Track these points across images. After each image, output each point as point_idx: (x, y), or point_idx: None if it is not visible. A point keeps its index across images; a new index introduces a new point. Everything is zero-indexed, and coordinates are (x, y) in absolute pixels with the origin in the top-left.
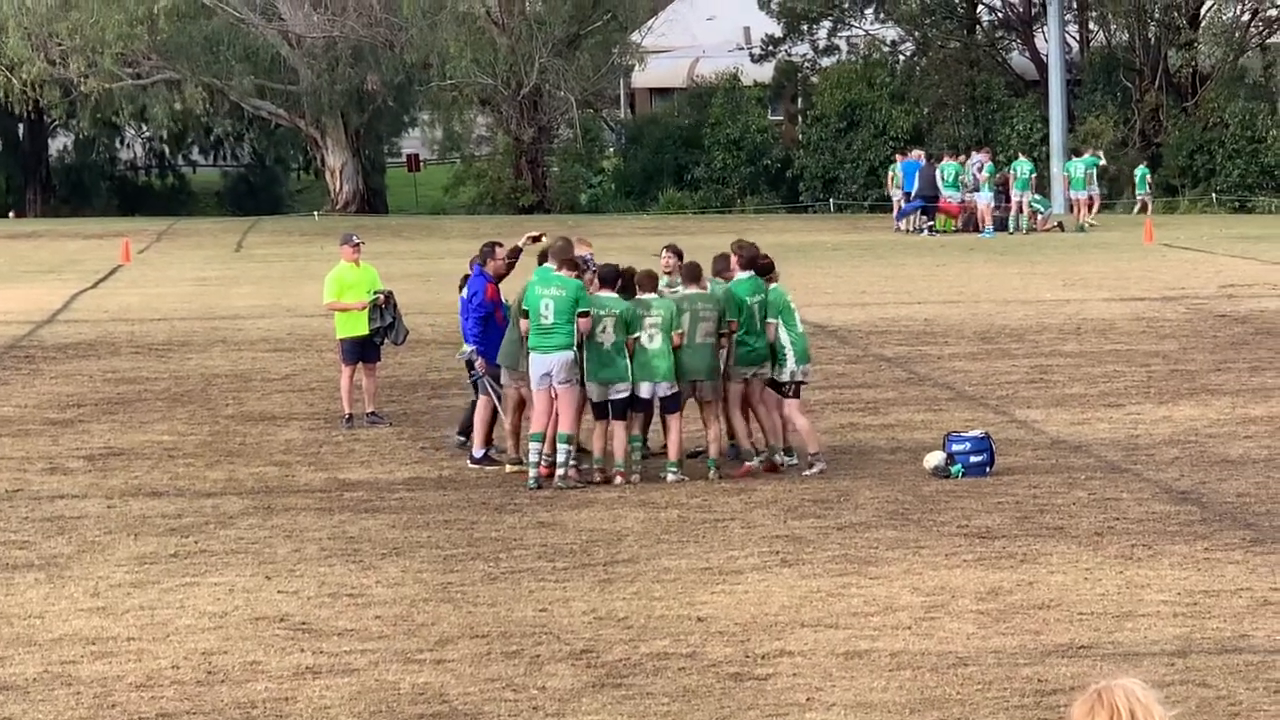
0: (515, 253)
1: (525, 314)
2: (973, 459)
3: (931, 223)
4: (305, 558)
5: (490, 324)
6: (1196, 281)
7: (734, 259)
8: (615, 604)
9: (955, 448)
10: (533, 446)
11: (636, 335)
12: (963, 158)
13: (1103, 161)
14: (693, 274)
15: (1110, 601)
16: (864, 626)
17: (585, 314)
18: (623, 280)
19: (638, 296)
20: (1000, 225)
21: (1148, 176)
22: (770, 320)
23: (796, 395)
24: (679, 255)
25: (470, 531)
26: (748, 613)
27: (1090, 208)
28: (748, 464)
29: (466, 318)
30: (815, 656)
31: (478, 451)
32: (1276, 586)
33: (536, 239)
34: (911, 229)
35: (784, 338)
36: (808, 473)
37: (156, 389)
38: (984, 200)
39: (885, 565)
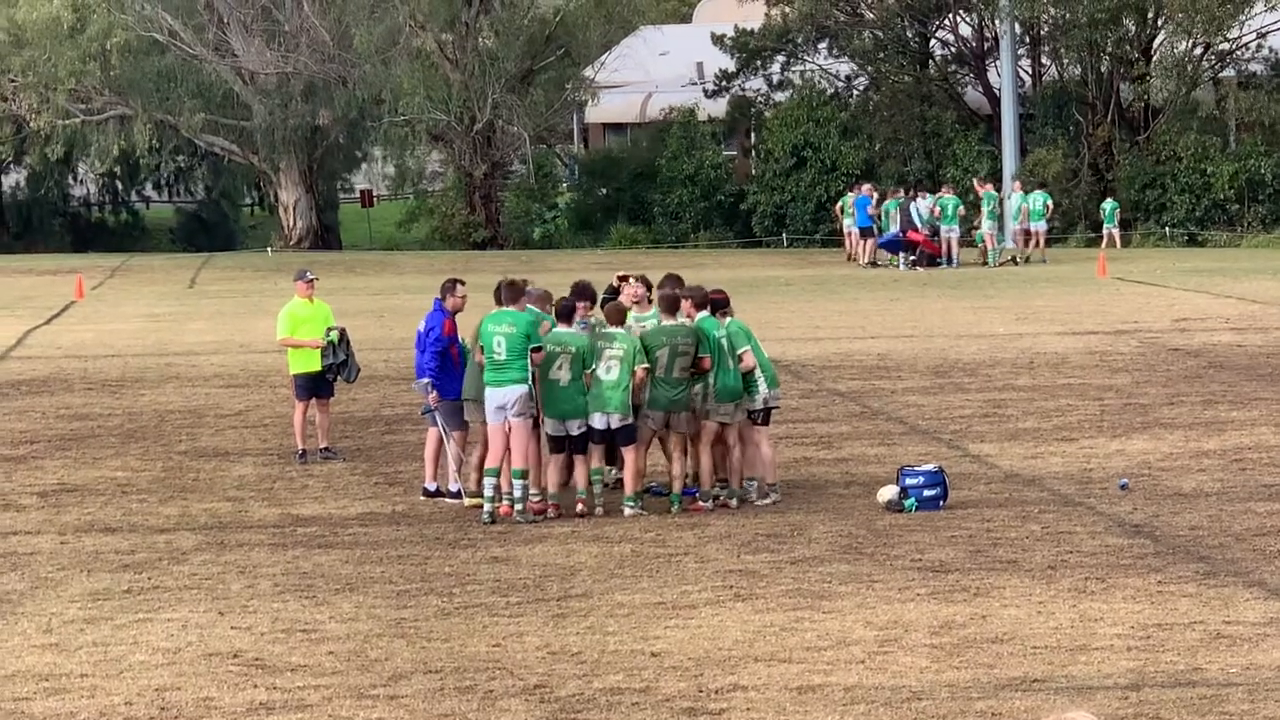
0: (613, 292)
1: (482, 349)
2: (926, 493)
3: (914, 257)
4: (259, 593)
5: (446, 359)
6: (1149, 315)
7: (686, 303)
8: (569, 639)
9: (909, 482)
10: (487, 481)
11: (593, 369)
12: (914, 194)
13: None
14: (671, 306)
15: (1064, 635)
16: (817, 661)
17: (538, 349)
18: (587, 297)
19: (601, 329)
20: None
21: (1116, 210)
22: (744, 349)
23: (766, 422)
24: (648, 286)
25: (424, 566)
26: (701, 647)
27: (1037, 242)
28: (701, 503)
29: (423, 351)
30: (769, 691)
31: (430, 485)
32: (1229, 620)
33: (625, 279)
34: (894, 263)
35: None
36: (761, 503)
37: (110, 425)
38: (952, 233)
39: (838, 599)
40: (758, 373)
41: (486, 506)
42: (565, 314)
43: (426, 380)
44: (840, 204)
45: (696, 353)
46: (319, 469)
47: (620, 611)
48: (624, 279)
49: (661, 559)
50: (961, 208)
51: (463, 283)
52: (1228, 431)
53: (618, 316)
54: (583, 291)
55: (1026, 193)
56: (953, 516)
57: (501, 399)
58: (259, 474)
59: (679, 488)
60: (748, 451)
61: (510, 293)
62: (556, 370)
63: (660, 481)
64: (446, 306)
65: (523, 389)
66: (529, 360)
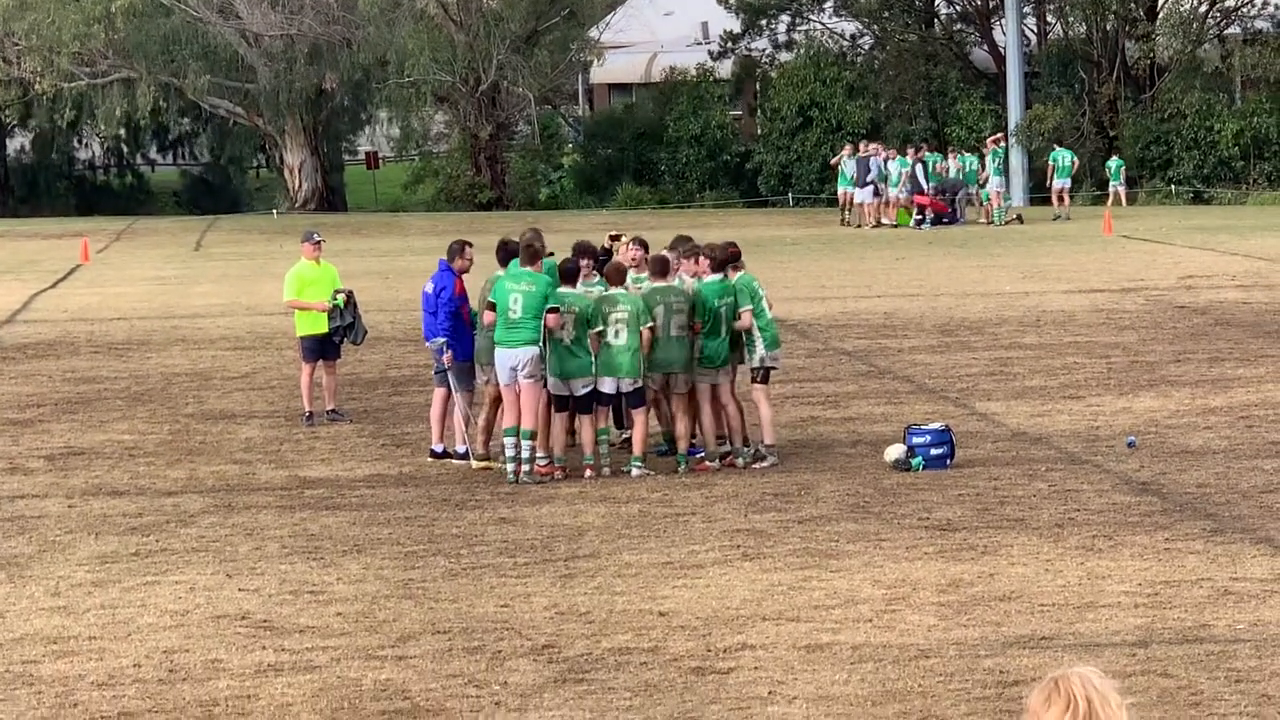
0: (605, 253)
1: (492, 307)
2: (933, 452)
3: (920, 217)
4: (266, 555)
5: (459, 319)
6: (1155, 273)
7: (704, 260)
8: (577, 599)
9: (916, 440)
10: (507, 441)
11: (600, 330)
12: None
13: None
14: (661, 268)
15: (1071, 593)
16: (825, 619)
17: (554, 310)
18: (596, 264)
19: (605, 291)
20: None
21: (1122, 168)
22: (745, 308)
23: (765, 380)
24: (645, 247)
25: (431, 528)
26: (709, 607)
27: (1062, 198)
28: (708, 463)
29: (435, 312)
30: (777, 650)
31: (437, 446)
32: (1237, 576)
33: (616, 238)
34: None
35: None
36: (759, 466)
37: (116, 388)
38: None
39: (846, 558)
40: (755, 332)
41: (510, 466)
42: (570, 275)
43: (442, 340)
44: (838, 160)
45: (691, 314)
46: (326, 431)
47: (628, 571)
48: (615, 239)
49: (669, 519)
50: (957, 163)
51: (471, 244)
52: (1234, 389)
53: (618, 276)
54: (585, 250)
55: (1055, 150)
56: (960, 475)
57: (513, 359)
58: (266, 436)
59: (684, 448)
60: (734, 419)
61: (529, 253)
62: (561, 329)
63: (658, 443)
64: (454, 267)
65: (534, 350)
66: (543, 322)
